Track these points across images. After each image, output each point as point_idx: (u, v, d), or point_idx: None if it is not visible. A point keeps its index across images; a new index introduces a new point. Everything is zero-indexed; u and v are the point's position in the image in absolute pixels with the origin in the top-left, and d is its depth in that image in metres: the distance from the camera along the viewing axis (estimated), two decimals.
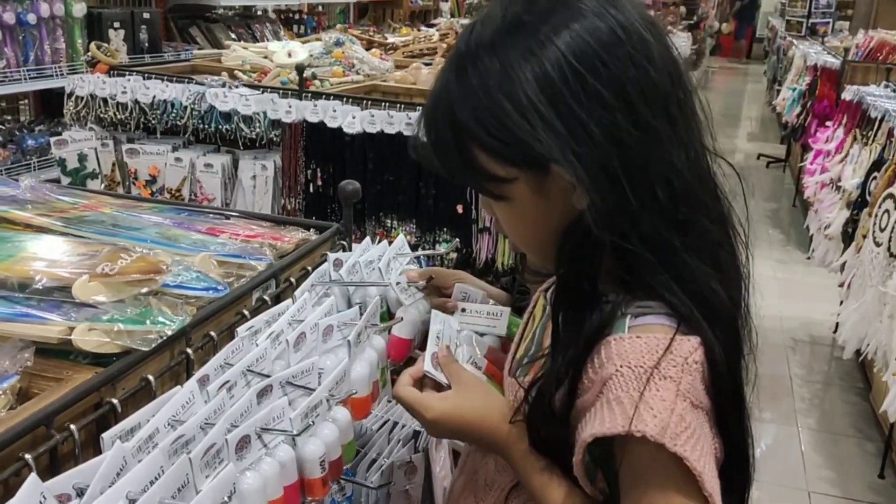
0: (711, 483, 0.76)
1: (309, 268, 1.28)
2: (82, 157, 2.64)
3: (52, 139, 2.66)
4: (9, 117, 3.85)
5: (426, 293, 1.18)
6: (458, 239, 1.74)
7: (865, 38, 5.66)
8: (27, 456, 0.78)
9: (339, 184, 1.44)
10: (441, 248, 2.68)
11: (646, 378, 0.76)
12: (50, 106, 3.91)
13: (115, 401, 0.89)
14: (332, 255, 1.33)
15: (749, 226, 0.94)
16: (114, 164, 2.68)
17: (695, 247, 0.82)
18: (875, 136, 3.40)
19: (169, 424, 0.89)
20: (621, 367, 0.78)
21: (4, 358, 0.89)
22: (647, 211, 0.79)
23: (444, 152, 0.86)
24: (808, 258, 4.48)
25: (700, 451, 0.76)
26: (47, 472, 0.80)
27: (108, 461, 0.80)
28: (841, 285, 3.24)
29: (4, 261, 1.00)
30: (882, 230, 2.70)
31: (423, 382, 0.98)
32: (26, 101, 4.07)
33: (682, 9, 11.57)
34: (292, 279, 1.24)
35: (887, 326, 2.49)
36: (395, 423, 1.36)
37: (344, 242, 1.42)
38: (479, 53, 0.81)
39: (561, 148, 0.77)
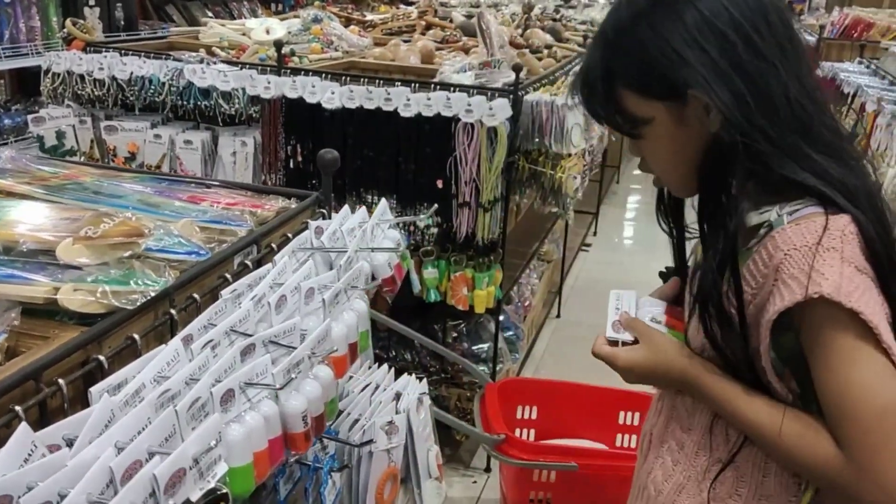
0: (888, 335, 0.87)
1: (289, 234, 1.30)
2: (60, 135, 2.63)
3: (30, 116, 2.65)
4: None
5: None
6: (436, 205, 1.77)
7: (840, 15, 5.72)
8: (17, 408, 0.80)
9: (319, 152, 1.46)
10: (421, 224, 2.71)
11: (812, 253, 0.89)
12: (26, 85, 3.87)
13: (101, 357, 0.92)
14: (313, 223, 1.36)
15: None
16: (92, 141, 2.67)
17: (819, 148, 0.96)
18: (848, 111, 3.45)
19: (155, 380, 0.91)
20: (788, 251, 0.91)
21: None
22: (770, 122, 0.94)
23: (597, 102, 1.04)
24: None
25: (872, 308, 0.88)
26: (37, 425, 0.82)
27: (96, 413, 0.82)
28: None
29: None
30: None
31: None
32: (2, 80, 4.02)
33: None
34: (273, 245, 1.27)
35: None
36: (378, 386, 1.39)
37: (323, 211, 1.44)
38: (625, 22, 1.00)
39: (697, 75, 0.94)
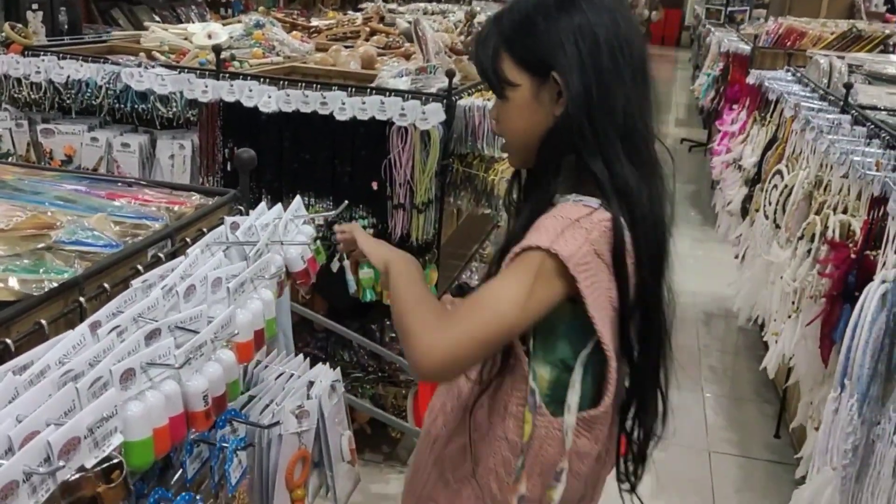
0: (596, 309, 1.08)
1: (205, 229, 1.37)
2: None
3: None
4: None
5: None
6: (346, 202, 1.85)
7: (775, 24, 5.94)
8: None
9: (237, 151, 1.53)
10: (358, 223, 2.78)
11: (568, 223, 1.08)
12: None
13: (8, 341, 0.97)
14: (228, 219, 1.43)
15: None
16: (28, 145, 2.70)
17: (631, 157, 1.14)
18: (771, 117, 3.62)
19: (59, 362, 0.98)
20: (555, 215, 1.11)
21: None
22: (602, 120, 1.12)
23: (483, 56, 1.20)
24: (715, 229, 4.72)
25: (594, 286, 1.08)
26: None
27: None
28: (736, 257, 3.46)
29: None
30: (770, 203, 2.91)
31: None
32: None
33: None
34: (188, 239, 1.33)
35: (771, 293, 2.69)
36: (292, 375, 1.46)
37: (241, 207, 1.51)
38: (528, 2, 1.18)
39: (563, 61, 1.12)
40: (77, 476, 0.84)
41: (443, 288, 3.08)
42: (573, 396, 1.14)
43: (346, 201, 1.62)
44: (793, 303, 2.35)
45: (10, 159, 2.63)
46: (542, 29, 1.15)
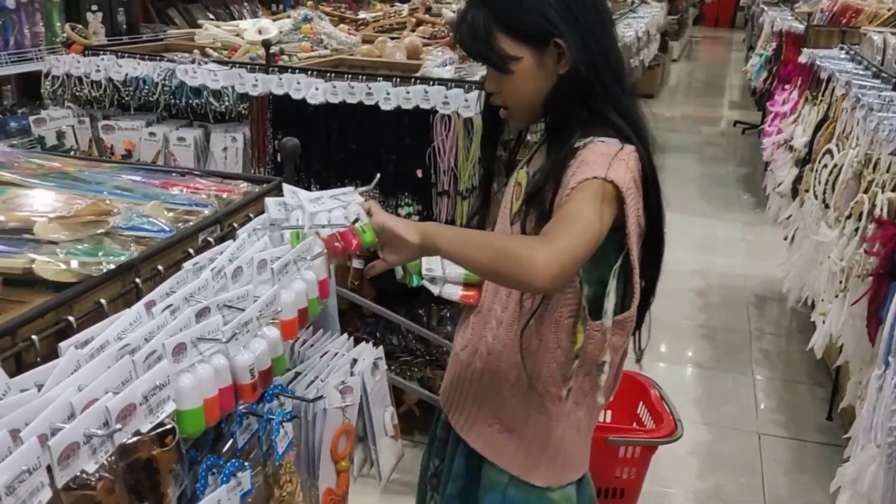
0: (631, 228, 1.26)
1: (252, 215, 1.44)
2: (60, 135, 2.79)
3: (32, 118, 2.81)
4: None
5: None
6: (378, 175, 1.89)
7: (830, 1, 5.79)
8: None
9: (282, 140, 1.60)
10: (402, 212, 2.84)
11: (610, 157, 1.24)
12: (31, 90, 4.04)
13: (71, 318, 1.06)
14: (272, 201, 1.50)
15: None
16: (91, 141, 2.83)
17: (627, 94, 1.32)
18: (822, 96, 3.55)
19: (117, 338, 1.06)
20: (595, 152, 1.26)
21: None
22: (603, 68, 1.27)
23: (476, 40, 1.29)
24: (766, 211, 4.65)
25: (633, 209, 1.25)
26: (13, 376, 0.96)
27: (62, 362, 0.97)
28: (786, 238, 3.41)
29: None
30: (819, 183, 2.87)
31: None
32: (8, 85, 4.20)
33: None
34: (235, 224, 1.41)
35: (819, 273, 2.66)
36: (336, 353, 1.53)
37: None
38: None
39: (560, 28, 1.24)
40: (133, 440, 0.91)
41: None
42: (609, 304, 1.32)
43: (378, 174, 1.66)
44: (840, 282, 2.32)
45: (72, 154, 2.77)
46: (530, 2, 1.25)
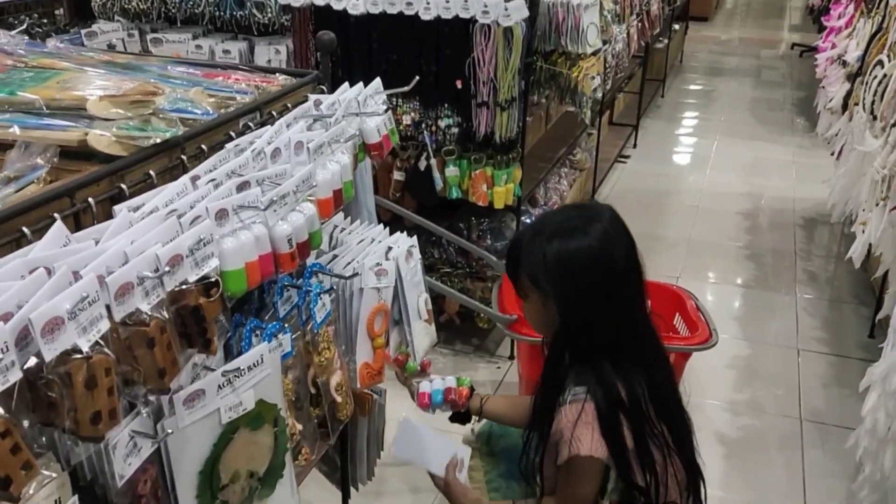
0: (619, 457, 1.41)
1: (290, 104, 1.50)
2: (111, 48, 2.87)
3: (83, 31, 2.89)
4: (44, 21, 4.08)
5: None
6: (417, 77, 1.90)
7: None
8: (55, 214, 1.03)
9: (318, 33, 1.64)
10: (442, 123, 2.87)
11: (572, 428, 1.39)
12: (82, 10, 4.12)
13: (123, 186, 1.14)
14: (312, 96, 1.55)
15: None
16: (140, 53, 2.91)
17: (615, 354, 1.42)
18: (877, 8, 3.42)
19: (165, 204, 1.13)
20: (564, 418, 1.41)
21: (35, 156, 1.14)
22: (589, 334, 1.42)
23: (511, 268, 1.49)
24: (817, 135, 4.55)
25: (611, 446, 1.39)
26: None
27: (116, 221, 1.05)
28: (833, 154, 3.35)
29: (34, 87, 1.24)
30: (869, 94, 2.80)
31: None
32: (61, 9, 4.28)
33: None
34: (274, 113, 1.47)
35: (863, 184, 2.63)
36: (373, 240, 1.60)
37: (323, 87, 1.63)
38: (538, 239, 1.43)
39: (546, 286, 1.40)
40: (181, 287, 1.00)
41: (528, 187, 3.16)
42: None
43: (417, 77, 1.69)
44: (881, 191, 2.29)
45: None
46: (537, 255, 1.40)
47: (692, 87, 7.23)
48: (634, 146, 5.40)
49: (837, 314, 3.55)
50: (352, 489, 1.94)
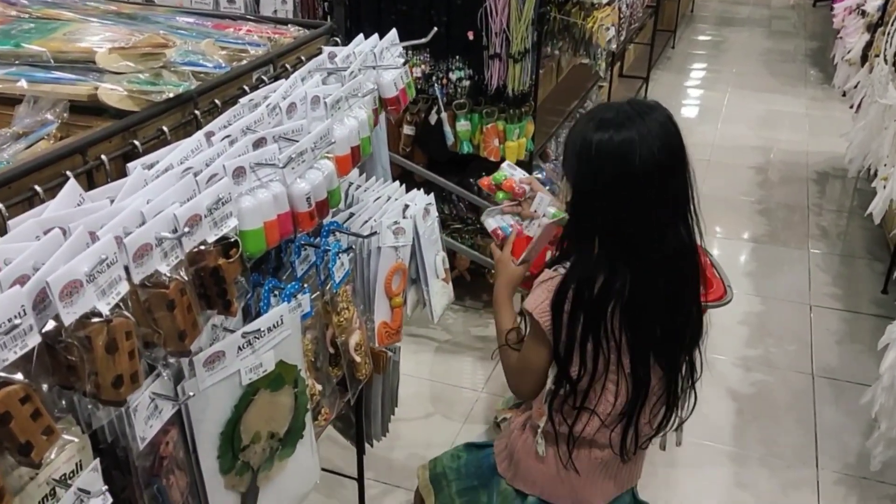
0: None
1: (303, 57, 1.45)
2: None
3: None
4: None
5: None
6: (434, 29, 1.84)
7: None
8: (68, 172, 0.99)
9: None
10: (453, 76, 2.81)
11: (536, 285, 1.45)
12: None
13: (136, 142, 1.10)
14: (326, 48, 1.50)
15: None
16: (143, 3, 2.83)
17: (611, 256, 1.39)
18: None
19: (180, 162, 1.10)
20: (537, 280, 1.46)
21: (44, 111, 1.10)
22: (588, 221, 1.41)
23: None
24: (833, 86, 4.45)
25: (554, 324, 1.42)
26: None
27: (131, 179, 1.01)
28: (851, 107, 3.28)
29: (40, 39, 1.20)
30: (891, 46, 2.73)
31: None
32: None
33: None
34: (288, 66, 1.42)
35: (884, 138, 2.57)
36: (389, 198, 1.56)
37: (337, 39, 1.57)
38: (579, 124, 1.43)
39: (569, 173, 1.43)
40: (201, 248, 0.97)
41: (540, 141, 3.10)
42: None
43: (435, 28, 1.63)
44: None
45: None
46: (570, 137, 1.41)
47: (703, 37, 7.09)
48: (645, 99, 5.31)
49: (850, 269, 3.52)
50: (366, 445, 1.94)
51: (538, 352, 1.46)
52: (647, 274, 1.39)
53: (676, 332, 1.46)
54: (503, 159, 2.88)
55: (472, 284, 3.18)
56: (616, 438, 1.50)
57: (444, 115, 2.80)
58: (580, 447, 1.52)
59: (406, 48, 2.78)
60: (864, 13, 3.57)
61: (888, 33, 2.87)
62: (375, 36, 1.55)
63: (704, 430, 2.53)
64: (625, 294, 1.38)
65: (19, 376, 0.76)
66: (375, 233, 1.39)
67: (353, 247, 1.38)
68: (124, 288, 0.85)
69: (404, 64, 1.51)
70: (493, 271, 1.84)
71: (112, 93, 1.11)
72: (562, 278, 1.40)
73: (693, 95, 5.68)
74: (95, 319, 0.82)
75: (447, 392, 2.71)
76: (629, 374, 1.43)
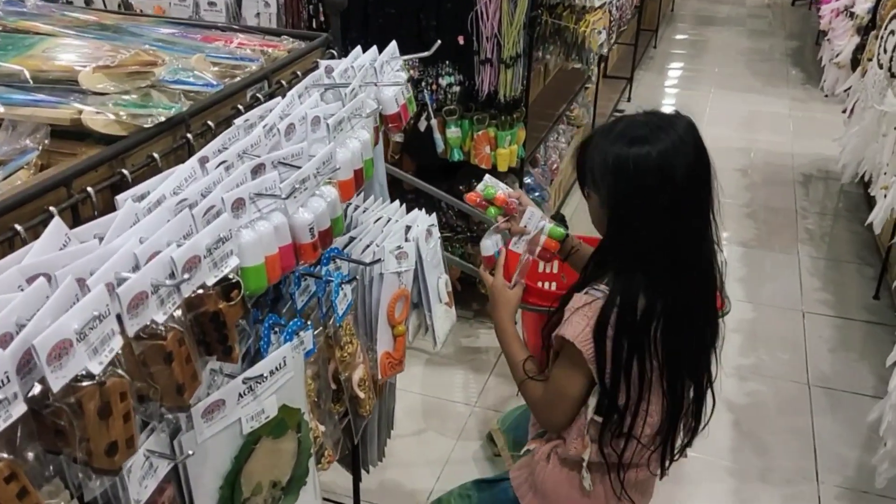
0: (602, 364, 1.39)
1: (299, 72, 1.36)
2: (88, 1, 2.68)
3: None
4: None
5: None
6: (439, 41, 1.76)
7: None
8: (52, 208, 0.90)
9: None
10: (443, 82, 2.73)
11: (572, 312, 1.39)
12: None
13: (125, 171, 1.01)
14: (323, 62, 1.42)
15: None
16: (119, 5, 2.72)
17: (650, 277, 1.36)
18: None
19: (174, 192, 1.01)
20: (571, 305, 1.41)
21: (24, 137, 1.01)
22: (627, 238, 1.38)
23: (580, 164, 1.46)
24: (821, 90, 4.44)
25: (599, 353, 1.37)
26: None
27: (121, 214, 0.92)
28: (844, 111, 3.25)
29: (17, 56, 1.10)
30: (885, 51, 2.69)
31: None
32: None
33: None
34: (283, 82, 1.33)
35: (882, 145, 2.53)
36: (390, 219, 1.48)
37: (334, 51, 1.49)
38: (606, 139, 1.40)
39: (596, 184, 1.40)
40: (199, 292, 0.88)
41: (531, 147, 3.03)
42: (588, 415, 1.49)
43: (439, 40, 1.55)
44: None
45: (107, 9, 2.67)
46: (597, 156, 1.37)
47: (684, 36, 7.07)
48: (629, 100, 5.27)
49: (840, 274, 3.49)
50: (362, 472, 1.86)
51: (575, 380, 1.41)
52: (686, 288, 1.38)
53: (707, 343, 1.45)
54: (494, 167, 2.81)
55: (463, 294, 3.11)
56: (656, 456, 1.47)
57: (433, 121, 2.71)
58: (627, 472, 1.48)
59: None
60: (852, 15, 3.55)
61: (881, 37, 2.83)
62: (374, 49, 1.47)
63: (701, 443, 2.45)
64: (666, 312, 1.35)
65: (3, 454, 0.67)
66: (379, 260, 1.31)
67: (357, 277, 1.30)
68: (118, 343, 0.77)
69: (409, 81, 1.44)
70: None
71: (98, 117, 1.02)
72: (603, 303, 1.35)
73: (677, 96, 5.65)
74: (87, 382, 0.73)
75: (439, 407, 2.64)
76: (666, 391, 1.41)
